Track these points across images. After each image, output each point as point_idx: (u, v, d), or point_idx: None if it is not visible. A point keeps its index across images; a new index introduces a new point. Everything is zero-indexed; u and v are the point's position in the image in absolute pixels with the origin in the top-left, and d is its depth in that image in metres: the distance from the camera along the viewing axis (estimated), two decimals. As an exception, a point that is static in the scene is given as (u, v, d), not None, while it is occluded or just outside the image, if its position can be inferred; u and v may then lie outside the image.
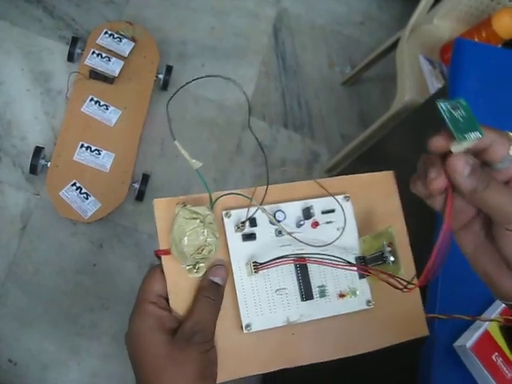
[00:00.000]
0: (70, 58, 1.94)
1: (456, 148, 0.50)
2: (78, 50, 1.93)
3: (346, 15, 2.46)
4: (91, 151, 1.79)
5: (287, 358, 0.63)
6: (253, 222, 0.64)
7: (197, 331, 0.58)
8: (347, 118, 2.25)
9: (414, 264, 0.65)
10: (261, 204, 0.61)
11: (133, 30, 1.96)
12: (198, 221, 0.58)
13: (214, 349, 0.60)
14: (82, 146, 1.79)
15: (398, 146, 1.51)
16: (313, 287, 0.64)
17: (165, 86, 2.00)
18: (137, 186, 1.82)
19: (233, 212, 0.63)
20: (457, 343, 0.90)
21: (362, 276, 0.64)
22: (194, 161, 0.61)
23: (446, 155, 0.50)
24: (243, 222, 0.62)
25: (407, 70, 1.76)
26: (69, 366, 1.70)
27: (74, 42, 1.93)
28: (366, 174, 0.69)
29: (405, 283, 0.55)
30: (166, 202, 0.63)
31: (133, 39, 1.95)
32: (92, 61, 1.86)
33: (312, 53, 2.32)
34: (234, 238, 0.63)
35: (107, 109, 1.85)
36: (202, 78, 0.63)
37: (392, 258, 0.59)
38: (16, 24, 1.98)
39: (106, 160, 1.80)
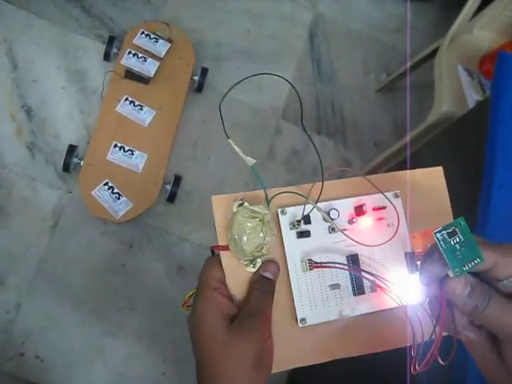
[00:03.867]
0: (106, 57, 1.95)
1: (454, 275, 0.49)
2: (114, 50, 1.94)
3: (382, 21, 2.44)
4: (124, 151, 1.79)
5: (340, 350, 0.66)
6: (307, 219, 0.65)
7: (252, 316, 0.61)
8: (381, 126, 2.22)
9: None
10: (316, 202, 0.63)
11: (169, 31, 1.96)
12: (257, 219, 0.61)
13: (270, 339, 0.63)
14: (116, 145, 1.79)
15: (432, 159, 1.49)
16: (364, 282, 0.66)
17: (199, 88, 2.00)
18: (169, 187, 1.82)
19: (288, 209, 0.65)
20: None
21: (411, 271, 0.65)
22: (248, 158, 0.63)
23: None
24: (299, 221, 0.64)
25: (445, 80, 1.74)
26: (95, 365, 1.71)
27: (111, 41, 1.94)
28: (416, 170, 0.70)
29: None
30: (224, 198, 0.65)
31: (169, 40, 1.95)
32: (128, 61, 1.87)
33: (347, 59, 2.31)
34: (289, 235, 0.65)
35: (141, 109, 1.85)
36: (253, 76, 0.65)
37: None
38: (54, 22, 1.99)
39: (138, 160, 1.80)
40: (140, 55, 1.88)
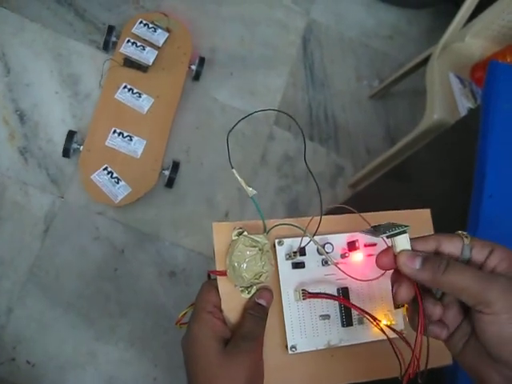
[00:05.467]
0: (105, 46, 1.99)
1: (399, 247, 0.55)
2: (113, 39, 1.98)
3: (375, 29, 2.45)
4: (123, 137, 1.83)
5: (326, 378, 0.69)
6: (302, 251, 0.68)
7: (246, 339, 0.63)
8: (373, 133, 2.24)
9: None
10: (313, 236, 0.66)
11: (167, 21, 2.01)
12: (256, 248, 0.63)
13: (261, 362, 0.65)
14: (115, 131, 1.83)
15: (424, 166, 1.50)
16: (353, 315, 0.69)
17: (197, 76, 2.05)
18: (167, 173, 1.86)
19: (285, 240, 0.68)
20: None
21: (397, 306, 0.66)
22: (250, 189, 0.64)
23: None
24: (295, 252, 0.67)
25: (437, 87, 1.75)
26: (86, 370, 1.70)
27: (110, 30, 1.98)
28: (405, 211, 0.73)
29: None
30: (224, 226, 0.67)
31: (167, 30, 2.00)
32: (127, 49, 1.91)
33: (340, 65, 2.32)
34: (284, 265, 0.68)
35: (140, 96, 1.89)
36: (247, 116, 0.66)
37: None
38: (47, 26, 1.99)
39: (137, 146, 1.83)
40: (139, 44, 1.92)
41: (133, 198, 1.79)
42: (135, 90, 1.89)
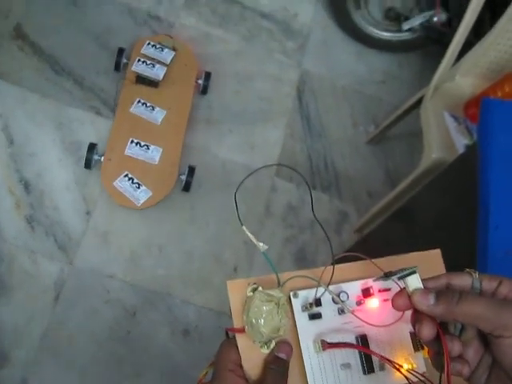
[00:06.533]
0: (117, 67, 2.15)
1: (411, 287, 0.57)
2: (123, 60, 2.14)
3: (367, 75, 2.50)
4: (141, 146, 1.97)
5: None
6: (318, 301, 0.68)
7: None
8: (374, 177, 2.26)
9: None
10: (327, 285, 0.67)
11: (173, 42, 2.18)
12: (273, 303, 0.63)
13: None
14: (132, 141, 1.97)
15: (427, 205, 1.51)
16: (374, 362, 0.67)
17: (204, 90, 2.22)
18: (184, 177, 1.98)
19: (300, 293, 0.68)
20: None
21: (416, 349, 0.68)
22: (261, 244, 0.65)
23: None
24: (311, 304, 0.67)
25: (433, 127, 1.78)
26: None
27: (120, 52, 2.14)
28: (414, 253, 0.73)
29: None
30: (239, 283, 0.67)
31: (173, 49, 2.16)
32: (138, 67, 2.08)
33: (335, 113, 2.35)
34: (301, 317, 0.67)
35: (153, 109, 2.05)
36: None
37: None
38: (47, 96, 2.04)
39: (154, 154, 1.97)
40: (148, 62, 2.09)
41: (154, 201, 1.92)
42: (148, 104, 2.05)
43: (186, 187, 1.98)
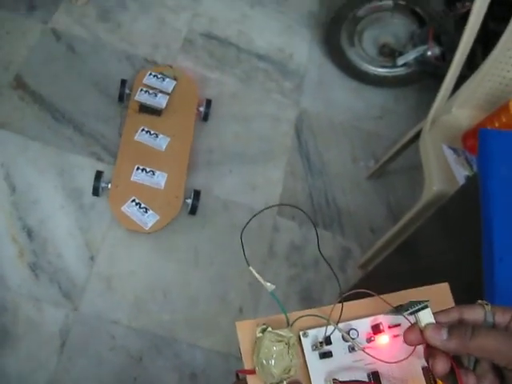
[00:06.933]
0: (120, 98, 2.22)
1: (423, 321, 0.57)
2: (126, 91, 2.21)
3: (364, 110, 2.52)
4: (146, 172, 2.03)
5: None
6: (328, 340, 0.68)
7: None
8: (375, 212, 2.26)
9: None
10: (337, 324, 0.66)
11: (173, 71, 2.25)
12: (283, 343, 0.63)
13: None
14: (138, 168, 2.03)
15: (430, 239, 1.51)
16: None
17: (205, 117, 2.28)
18: (189, 201, 2.03)
19: (309, 332, 0.68)
20: None
21: (429, 382, 0.66)
22: (268, 284, 0.66)
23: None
24: (321, 342, 0.66)
25: (432, 160, 1.78)
26: None
27: (123, 83, 2.21)
28: (423, 287, 0.73)
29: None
30: (248, 324, 0.67)
31: (174, 78, 2.23)
32: (141, 96, 2.16)
33: (335, 150, 2.37)
34: (311, 357, 0.67)
35: (157, 137, 2.12)
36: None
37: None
38: (48, 144, 2.06)
39: (160, 179, 2.03)
40: (151, 91, 2.18)
41: (161, 224, 1.96)
42: (152, 132, 2.11)
43: (193, 210, 2.03)
